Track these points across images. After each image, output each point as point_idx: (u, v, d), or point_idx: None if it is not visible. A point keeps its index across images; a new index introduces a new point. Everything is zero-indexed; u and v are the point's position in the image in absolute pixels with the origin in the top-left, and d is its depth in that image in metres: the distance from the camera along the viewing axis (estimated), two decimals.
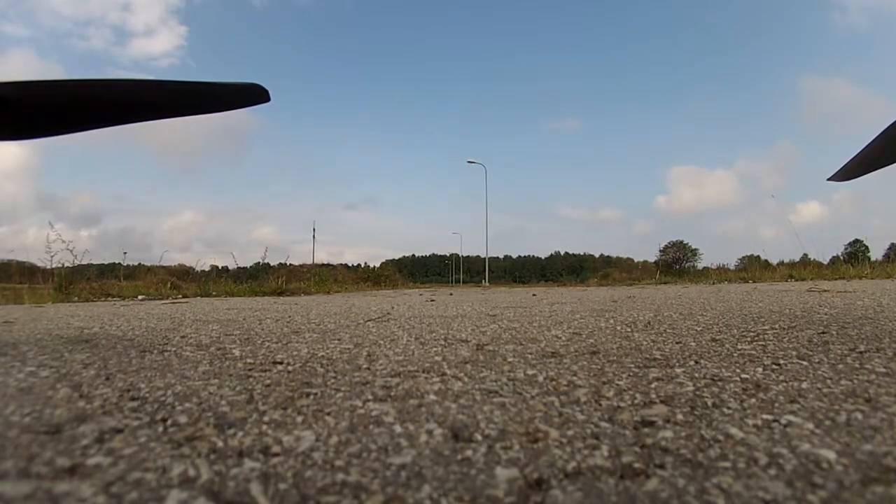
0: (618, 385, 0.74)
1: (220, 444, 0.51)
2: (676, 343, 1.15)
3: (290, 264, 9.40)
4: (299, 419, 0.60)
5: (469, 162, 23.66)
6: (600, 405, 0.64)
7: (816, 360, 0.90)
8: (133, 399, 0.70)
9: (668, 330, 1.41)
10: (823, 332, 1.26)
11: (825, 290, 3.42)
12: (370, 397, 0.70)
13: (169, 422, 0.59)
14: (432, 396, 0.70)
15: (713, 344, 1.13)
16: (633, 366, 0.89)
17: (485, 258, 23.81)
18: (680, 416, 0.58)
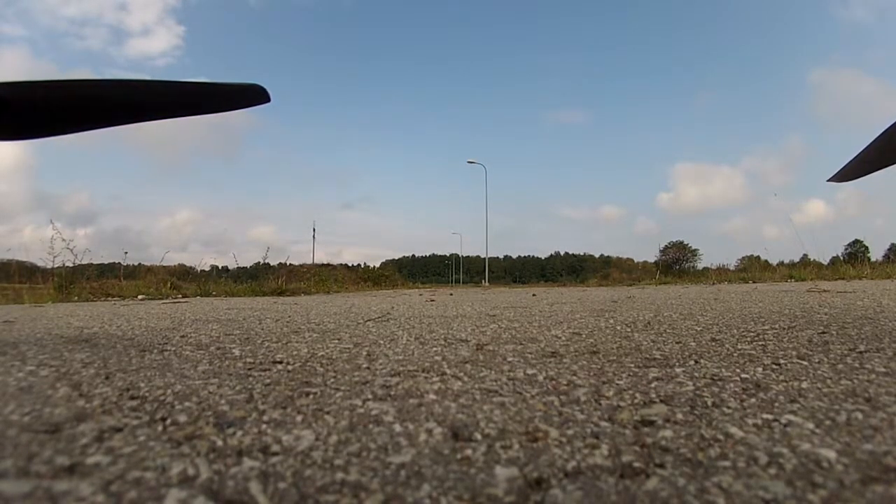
0: (618, 385, 0.74)
1: (220, 443, 0.51)
2: (676, 343, 1.15)
3: (290, 264, 9.37)
4: (299, 418, 0.60)
5: (469, 162, 23.69)
6: (600, 405, 0.64)
7: (816, 360, 0.90)
8: (132, 398, 0.70)
9: (667, 330, 1.41)
10: (823, 332, 1.26)
11: (825, 291, 3.42)
12: (370, 396, 0.70)
13: (168, 421, 0.59)
14: (432, 396, 0.69)
15: (713, 344, 1.13)
16: (632, 365, 0.89)
17: (485, 258, 23.83)
18: (680, 416, 0.58)
